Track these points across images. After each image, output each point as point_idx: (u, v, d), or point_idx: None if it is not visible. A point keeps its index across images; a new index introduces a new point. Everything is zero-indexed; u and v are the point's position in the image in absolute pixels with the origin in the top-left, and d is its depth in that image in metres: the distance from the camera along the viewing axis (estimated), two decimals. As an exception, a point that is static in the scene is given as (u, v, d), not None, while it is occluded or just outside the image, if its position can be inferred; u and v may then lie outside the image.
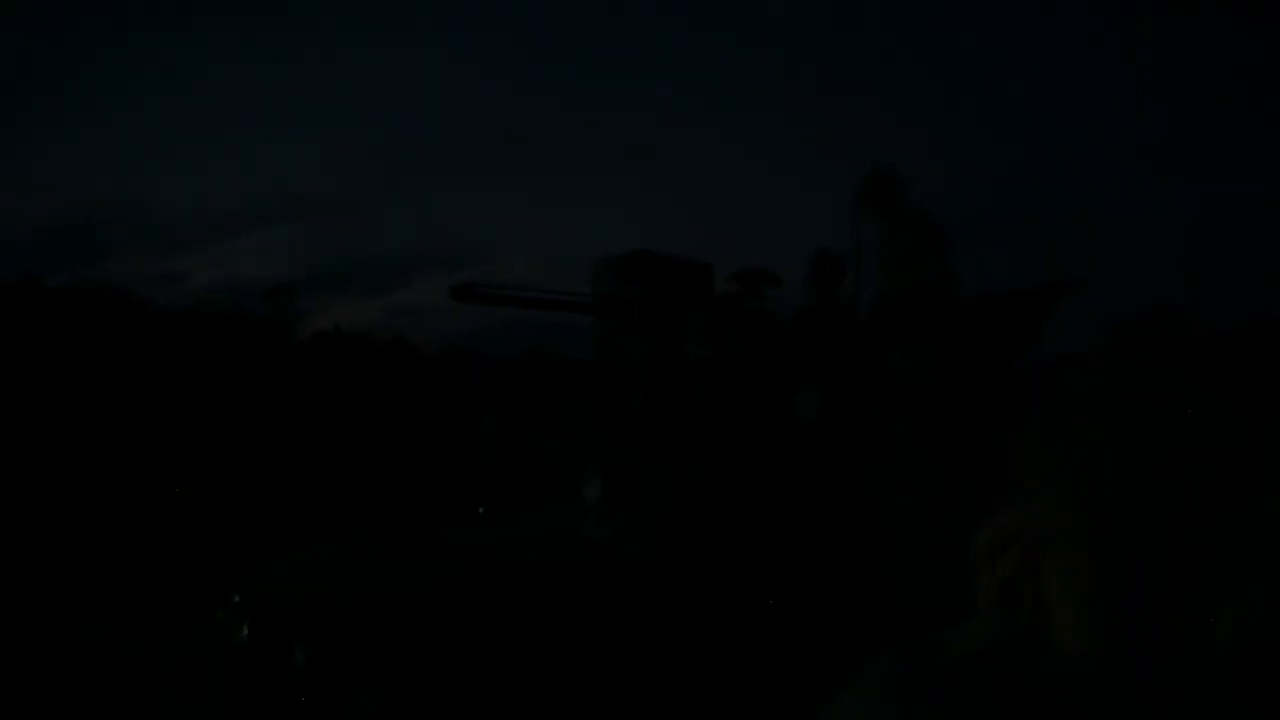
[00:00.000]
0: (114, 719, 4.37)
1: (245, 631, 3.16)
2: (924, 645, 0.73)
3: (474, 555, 3.43)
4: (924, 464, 3.13)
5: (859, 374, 3.98)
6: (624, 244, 4.19)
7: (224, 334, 9.07)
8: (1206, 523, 0.63)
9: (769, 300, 4.24)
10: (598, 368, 4.42)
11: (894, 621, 2.84)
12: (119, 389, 8.37)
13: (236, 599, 3.32)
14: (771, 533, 3.59)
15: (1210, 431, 0.66)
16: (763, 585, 3.49)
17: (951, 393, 3.63)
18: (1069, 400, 0.69)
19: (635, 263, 4.04)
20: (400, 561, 3.46)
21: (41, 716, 4.41)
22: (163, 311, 10.65)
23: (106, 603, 6.54)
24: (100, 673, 5.04)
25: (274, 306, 10.69)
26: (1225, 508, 0.64)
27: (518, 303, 4.01)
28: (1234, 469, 0.65)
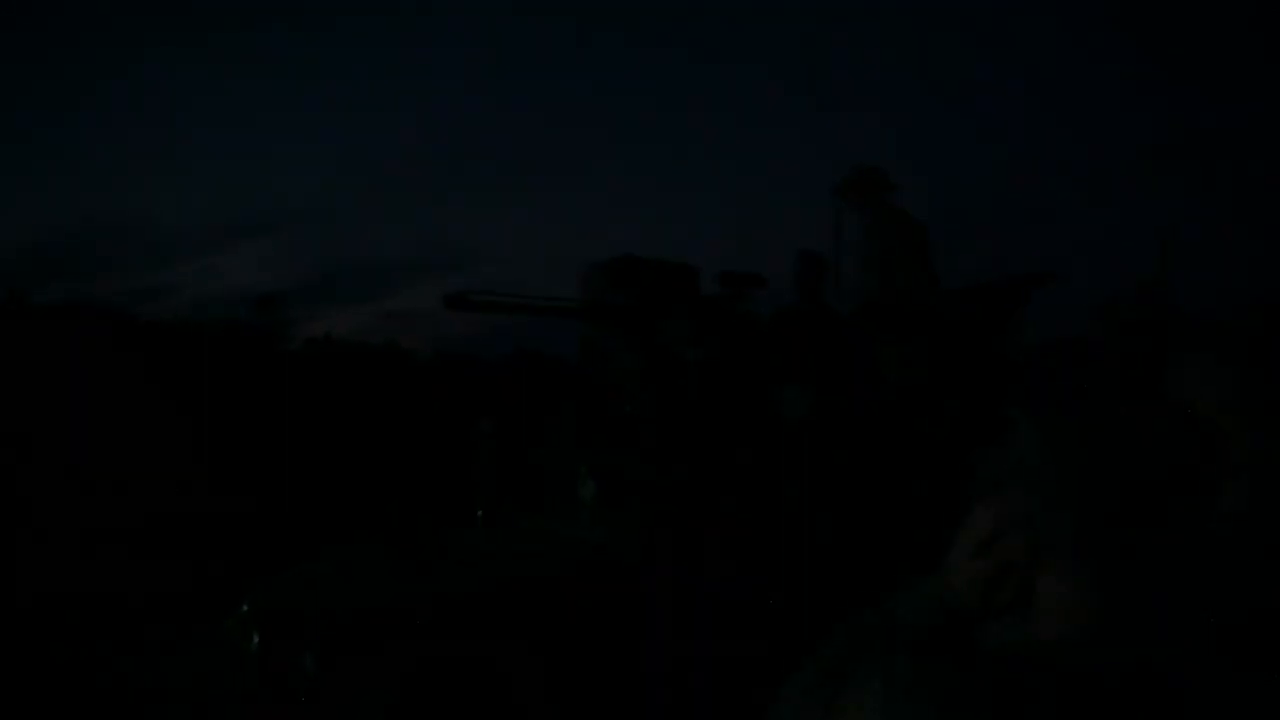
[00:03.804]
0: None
1: (255, 640, 3.24)
2: (879, 618, 0.80)
3: (479, 563, 3.52)
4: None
5: (844, 371, 4.09)
6: (615, 246, 4.27)
7: (215, 344, 9.11)
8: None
9: (755, 302, 4.34)
10: (587, 372, 4.52)
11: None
12: (109, 403, 8.41)
13: (245, 608, 3.40)
14: (764, 531, 3.69)
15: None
16: (758, 584, 3.59)
17: (936, 386, 3.75)
18: (1051, 410, 0.75)
19: (620, 268, 4.13)
20: (407, 569, 3.54)
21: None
22: (151, 324, 10.64)
23: (113, 615, 6.59)
24: (107, 686, 5.10)
25: (264, 316, 10.74)
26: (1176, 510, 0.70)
27: (510, 309, 4.09)
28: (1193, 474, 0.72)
